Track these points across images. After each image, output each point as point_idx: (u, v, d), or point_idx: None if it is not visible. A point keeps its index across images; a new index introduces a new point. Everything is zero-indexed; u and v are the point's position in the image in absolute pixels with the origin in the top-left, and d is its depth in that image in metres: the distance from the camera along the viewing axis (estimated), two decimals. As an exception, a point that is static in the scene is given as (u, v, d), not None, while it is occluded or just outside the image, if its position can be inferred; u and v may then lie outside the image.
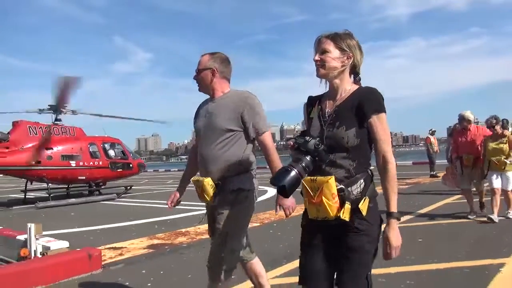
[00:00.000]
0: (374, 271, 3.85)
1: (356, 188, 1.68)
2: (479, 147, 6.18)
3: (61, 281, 4.15)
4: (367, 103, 1.70)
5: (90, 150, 13.43)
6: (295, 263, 2.29)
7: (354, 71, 1.83)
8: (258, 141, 2.45)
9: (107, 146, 14.01)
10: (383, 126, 1.71)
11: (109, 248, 5.48)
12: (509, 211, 6.04)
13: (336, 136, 1.70)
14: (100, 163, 13.51)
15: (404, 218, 6.38)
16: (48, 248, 5.01)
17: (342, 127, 1.70)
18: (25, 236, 5.53)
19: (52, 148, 12.60)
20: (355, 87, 1.81)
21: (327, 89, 1.86)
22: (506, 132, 6.10)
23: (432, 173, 13.92)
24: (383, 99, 1.74)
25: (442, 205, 7.75)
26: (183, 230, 6.46)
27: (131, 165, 14.41)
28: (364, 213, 1.66)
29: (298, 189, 1.72)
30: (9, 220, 9.07)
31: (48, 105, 13.31)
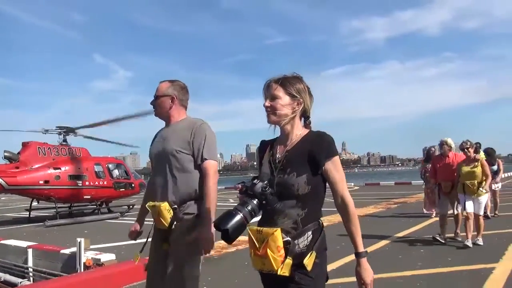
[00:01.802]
0: (391, 274, 4.84)
1: (303, 241, 1.64)
2: (455, 173, 6.30)
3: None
4: (319, 151, 1.69)
5: (96, 170, 14.03)
6: None
7: (305, 115, 1.82)
8: (201, 167, 2.38)
9: (111, 166, 14.63)
10: (337, 168, 1.70)
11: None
12: (478, 238, 6.05)
13: (286, 183, 1.67)
14: (105, 182, 14.10)
15: (404, 233, 7.33)
16: (99, 260, 5.70)
17: (293, 174, 1.67)
18: (71, 250, 6.22)
19: (60, 168, 13.15)
20: (305, 131, 1.80)
21: (279, 133, 1.86)
22: (478, 156, 6.24)
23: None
24: (333, 141, 1.74)
25: (426, 225, 8.74)
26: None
27: (133, 185, 15.01)
28: (309, 268, 1.60)
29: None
30: (25, 238, 9.54)
31: (56, 127, 13.90)
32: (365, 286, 1.67)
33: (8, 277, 7.15)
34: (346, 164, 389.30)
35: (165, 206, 2.30)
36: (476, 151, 6.83)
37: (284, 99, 1.74)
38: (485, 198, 6.23)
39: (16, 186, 12.38)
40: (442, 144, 6.59)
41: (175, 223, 2.31)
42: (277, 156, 1.76)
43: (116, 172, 14.68)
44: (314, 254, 1.62)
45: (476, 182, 5.99)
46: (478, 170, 6.00)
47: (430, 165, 7.79)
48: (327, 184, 1.74)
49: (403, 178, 35.80)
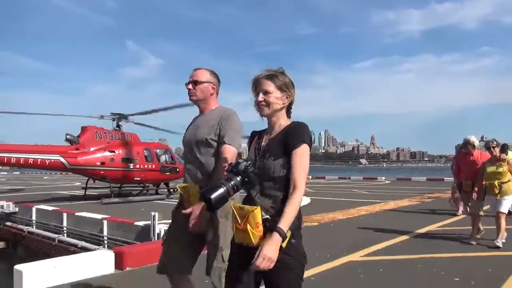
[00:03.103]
0: (412, 256, 5.39)
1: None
2: (478, 172, 6.12)
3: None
4: (291, 137, 1.84)
5: (145, 154, 15.15)
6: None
7: (288, 107, 1.96)
8: (220, 149, 2.42)
9: (158, 151, 15.73)
10: (301, 155, 1.80)
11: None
12: (497, 240, 5.84)
13: (264, 166, 1.84)
14: (153, 166, 15.22)
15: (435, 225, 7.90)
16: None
17: (270, 158, 1.84)
18: (144, 222, 7.17)
19: (114, 151, 14.34)
20: (288, 122, 1.95)
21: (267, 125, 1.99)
22: (504, 156, 6.04)
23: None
24: (307, 131, 1.87)
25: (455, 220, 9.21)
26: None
27: (177, 169, 16.06)
28: (283, 245, 1.69)
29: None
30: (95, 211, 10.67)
31: (111, 113, 15.09)
32: (259, 259, 1.64)
33: (85, 244, 8.25)
34: (374, 158, 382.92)
35: (195, 188, 2.39)
36: (503, 151, 6.60)
37: (275, 93, 1.89)
38: (510, 199, 5.94)
39: (76, 166, 13.68)
40: (466, 142, 6.43)
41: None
42: (262, 144, 1.93)
43: (163, 157, 15.77)
44: (289, 232, 1.71)
45: (500, 182, 5.85)
46: (504, 169, 5.86)
47: None
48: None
49: (436, 175, 35.61)
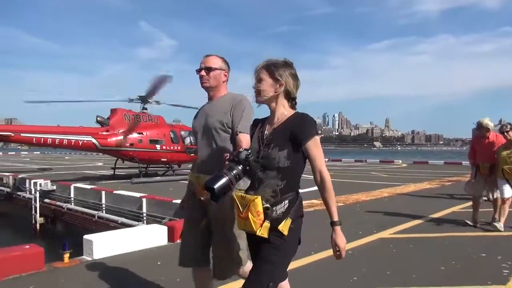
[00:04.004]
0: (439, 234, 5.71)
1: (281, 208, 1.86)
2: (495, 155, 6.02)
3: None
4: (300, 130, 1.89)
5: (171, 136, 15.68)
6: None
7: (290, 97, 2.01)
8: (235, 140, 2.41)
9: (183, 133, 16.23)
10: (317, 146, 1.90)
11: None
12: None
13: (269, 156, 1.89)
14: (179, 148, 15.76)
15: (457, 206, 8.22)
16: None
17: (276, 149, 1.88)
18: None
19: (142, 133, 14.90)
20: (291, 112, 2.00)
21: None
22: None
23: None
24: (314, 122, 1.96)
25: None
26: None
27: (201, 151, 16.58)
28: (285, 232, 1.84)
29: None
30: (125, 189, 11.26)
31: (138, 96, 15.57)
32: (339, 251, 1.89)
33: (125, 220, 8.86)
34: (388, 141, 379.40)
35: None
36: None
37: (267, 81, 1.96)
38: None
39: (107, 147, 14.30)
40: (479, 125, 6.23)
41: None
42: (265, 133, 1.98)
43: (187, 139, 16.28)
44: (289, 220, 1.85)
45: None
46: None
47: None
48: (307, 160, 1.95)
49: (453, 158, 35.48)
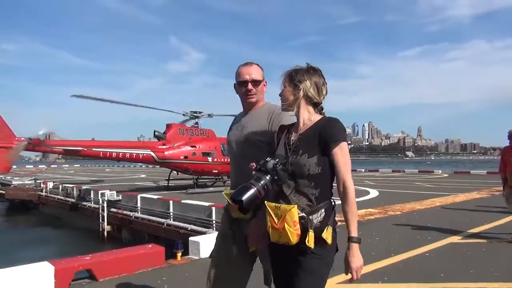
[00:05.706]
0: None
1: (317, 217, 1.78)
2: None
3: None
4: (328, 135, 1.83)
5: (221, 148, 16.54)
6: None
7: (314, 103, 1.95)
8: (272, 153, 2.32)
9: (232, 146, 17.03)
10: (343, 154, 1.82)
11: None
12: None
13: (298, 163, 1.81)
14: (228, 160, 16.51)
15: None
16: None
17: (305, 155, 1.82)
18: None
19: (195, 146, 15.85)
20: (318, 117, 1.94)
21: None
22: None
23: None
24: (343, 127, 1.89)
25: None
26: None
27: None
28: (329, 241, 1.78)
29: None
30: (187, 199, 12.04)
31: (190, 111, 16.61)
32: (351, 271, 1.79)
33: (194, 227, 9.61)
34: (420, 151, 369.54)
35: None
36: None
37: (288, 88, 1.96)
38: None
39: (164, 160, 15.33)
40: (510, 135, 6.06)
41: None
42: (292, 139, 1.92)
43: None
44: (330, 228, 1.80)
45: None
46: None
47: None
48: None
49: (492, 168, 34.68)
